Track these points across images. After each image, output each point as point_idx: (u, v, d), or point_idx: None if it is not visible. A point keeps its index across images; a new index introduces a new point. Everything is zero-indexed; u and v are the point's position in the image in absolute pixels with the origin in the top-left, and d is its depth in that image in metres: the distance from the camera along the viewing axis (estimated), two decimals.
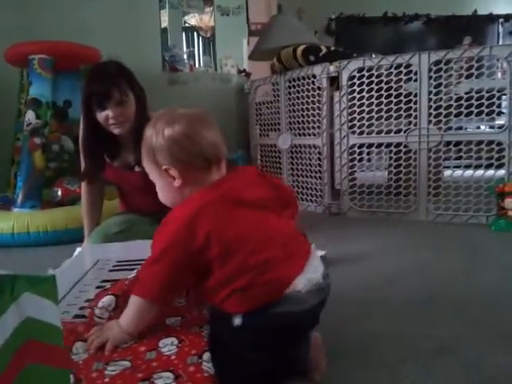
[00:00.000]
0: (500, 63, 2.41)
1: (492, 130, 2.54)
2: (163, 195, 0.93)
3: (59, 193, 2.54)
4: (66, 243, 2.11)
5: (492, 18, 5.93)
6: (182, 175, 0.87)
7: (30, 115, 2.51)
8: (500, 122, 2.49)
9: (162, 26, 3.78)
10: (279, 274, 0.83)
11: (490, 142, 2.42)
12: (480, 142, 2.44)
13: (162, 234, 0.84)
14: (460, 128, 2.56)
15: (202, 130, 0.87)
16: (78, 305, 0.98)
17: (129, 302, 0.86)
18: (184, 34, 4.38)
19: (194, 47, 4.49)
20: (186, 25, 4.43)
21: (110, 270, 1.25)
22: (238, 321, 0.82)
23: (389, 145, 2.66)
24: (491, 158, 2.41)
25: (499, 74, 2.56)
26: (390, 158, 2.67)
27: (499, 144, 2.38)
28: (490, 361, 1.00)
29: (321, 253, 1.73)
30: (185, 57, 3.73)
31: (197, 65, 4.22)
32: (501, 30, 5.99)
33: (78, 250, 1.65)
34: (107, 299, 0.89)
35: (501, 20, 5.93)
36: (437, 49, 2.55)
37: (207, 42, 4.54)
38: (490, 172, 2.45)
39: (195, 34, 4.52)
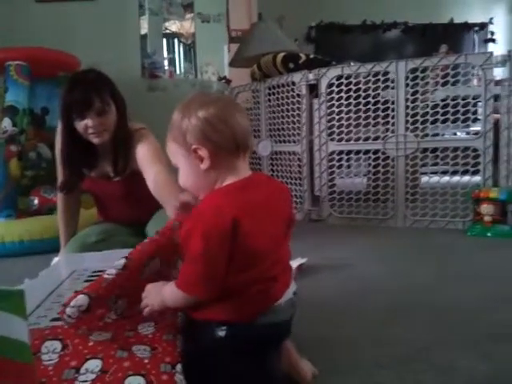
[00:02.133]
0: (475, 71, 2.45)
1: (468, 136, 2.60)
2: (186, 179, 0.88)
3: (36, 201, 2.50)
4: (42, 253, 2.07)
5: (467, 27, 6.06)
6: (211, 157, 0.83)
7: (6, 122, 2.46)
8: (475, 128, 2.55)
9: (142, 33, 3.75)
10: (276, 290, 0.85)
11: (466, 149, 2.46)
12: (456, 149, 2.48)
13: (195, 231, 0.79)
14: (437, 135, 2.61)
15: (235, 115, 0.85)
16: (48, 317, 0.97)
17: (174, 290, 0.85)
18: (165, 40, 4.34)
19: (174, 54, 4.46)
20: (167, 31, 4.40)
21: (86, 281, 1.23)
22: (221, 332, 0.82)
23: (367, 152, 2.69)
24: (467, 164, 2.46)
25: (475, 82, 2.61)
26: (369, 165, 2.70)
27: (475, 150, 2.43)
28: (464, 367, 1.02)
29: (301, 260, 1.75)
30: (165, 63, 3.71)
31: (177, 71, 4.19)
32: (476, 38, 6.12)
33: (55, 259, 1.62)
34: (80, 299, 0.87)
35: (476, 28, 6.06)
36: (415, 56, 2.60)
37: (188, 49, 4.52)
38: (466, 178, 2.50)
39: (176, 40, 4.49)
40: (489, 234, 2.29)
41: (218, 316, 0.83)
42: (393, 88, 2.55)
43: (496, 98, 2.41)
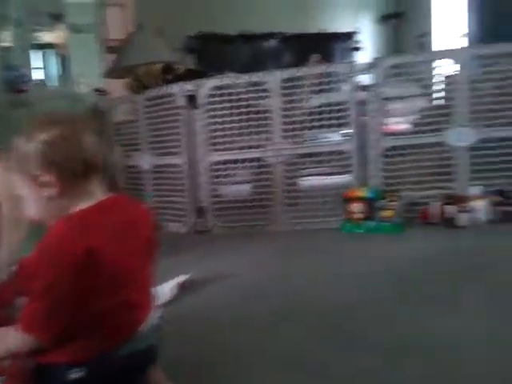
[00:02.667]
0: (345, 78, 2.58)
1: (340, 140, 2.72)
2: (34, 209, 0.80)
3: None
4: None
5: (337, 36, 6.47)
6: (58, 182, 0.76)
7: None
8: (346, 132, 2.67)
9: (3, 45, 3.42)
10: (138, 316, 0.81)
11: (338, 152, 2.60)
12: (330, 152, 2.61)
13: (41, 265, 0.73)
14: (313, 139, 2.71)
15: (83, 134, 0.78)
16: None
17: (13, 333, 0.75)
18: (35, 51, 4.03)
19: (47, 65, 4.16)
20: (38, 42, 4.09)
21: None
22: (75, 374, 0.75)
23: (250, 160, 2.72)
24: (340, 166, 2.60)
25: (345, 88, 2.75)
26: (252, 173, 2.74)
27: (346, 153, 2.58)
28: (336, 370, 1.05)
29: (183, 278, 1.71)
30: (33, 76, 3.43)
31: (49, 83, 3.91)
32: (345, 46, 6.56)
33: None
34: None
35: (344, 38, 6.49)
36: (293, 65, 2.68)
37: (61, 60, 4.26)
38: (340, 179, 2.64)
39: (49, 51, 4.20)
40: (360, 230, 2.44)
41: (71, 356, 0.76)
42: (269, 97, 2.62)
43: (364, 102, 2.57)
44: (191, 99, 2.76)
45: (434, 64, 2.59)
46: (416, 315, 1.31)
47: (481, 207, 2.36)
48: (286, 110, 2.61)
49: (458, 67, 2.47)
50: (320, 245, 2.27)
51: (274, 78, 2.60)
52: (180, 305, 1.44)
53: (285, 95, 2.60)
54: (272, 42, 6.28)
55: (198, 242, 2.58)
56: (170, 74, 2.88)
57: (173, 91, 2.80)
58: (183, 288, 1.66)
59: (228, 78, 2.70)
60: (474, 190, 2.44)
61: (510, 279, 1.52)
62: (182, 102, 2.76)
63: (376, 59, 2.59)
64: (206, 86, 2.71)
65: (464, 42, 5.43)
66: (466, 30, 5.45)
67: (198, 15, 5.77)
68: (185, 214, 2.83)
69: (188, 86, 2.75)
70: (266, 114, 2.63)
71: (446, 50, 2.62)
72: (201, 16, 5.80)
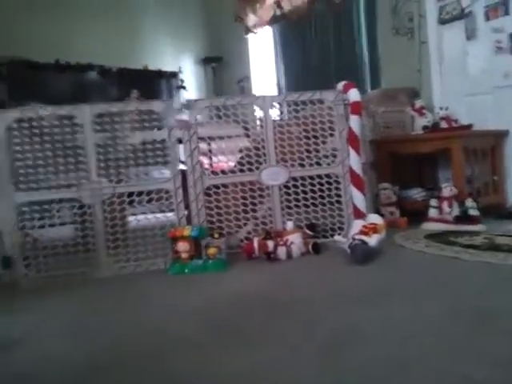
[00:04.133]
0: (164, 116, 2.52)
1: (162, 178, 2.62)
2: None
3: None
4: None
5: (160, 74, 6.51)
6: None
7: None
8: (168, 170, 2.61)
9: None
10: None
11: (161, 190, 2.53)
12: (151, 192, 2.52)
13: None
14: (134, 177, 2.57)
15: None
16: None
17: None
18: None
19: None
20: None
21: None
22: None
23: (68, 200, 2.46)
24: (164, 205, 2.52)
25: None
26: (71, 214, 2.47)
27: (167, 192, 2.52)
28: None
29: None
30: None
31: None
32: (171, 84, 6.66)
33: None
34: None
35: (167, 76, 6.59)
36: (113, 99, 2.53)
37: None
38: (164, 218, 2.57)
39: None
40: (186, 270, 2.38)
41: None
42: (81, 132, 2.42)
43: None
44: None
45: (253, 108, 2.73)
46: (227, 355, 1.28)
47: (295, 240, 2.51)
48: (102, 146, 2.44)
49: (265, 112, 2.66)
50: (142, 290, 2.12)
51: (84, 113, 2.42)
52: None
53: (99, 131, 2.44)
54: (92, 74, 5.99)
55: (3, 297, 2.18)
56: None
57: None
58: None
59: (31, 110, 2.41)
60: (289, 225, 2.61)
61: (323, 313, 1.59)
62: None
63: (191, 100, 2.64)
64: (4, 118, 2.37)
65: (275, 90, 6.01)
66: (275, 79, 6.06)
67: (7, 40, 5.17)
68: None
69: None
70: (81, 151, 2.42)
71: (254, 96, 2.78)
72: (11, 41, 5.21)
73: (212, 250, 2.41)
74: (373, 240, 2.33)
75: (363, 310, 1.57)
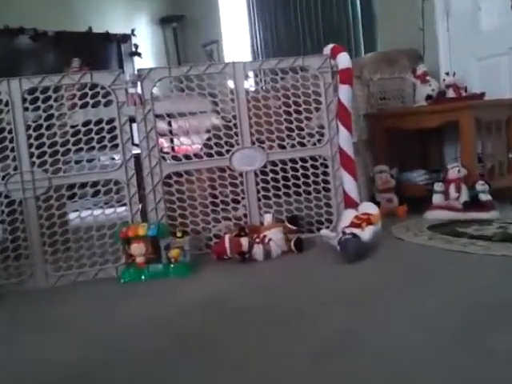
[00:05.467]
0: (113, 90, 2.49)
1: (109, 166, 2.60)
2: None
3: None
4: None
5: (108, 38, 6.40)
6: None
7: None
8: (117, 156, 2.60)
9: None
10: None
11: (108, 181, 2.51)
12: (97, 183, 2.50)
13: None
14: (76, 166, 2.52)
15: None
16: None
17: None
18: None
19: None
20: None
21: None
22: None
23: None
24: (114, 199, 2.51)
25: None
26: (2, 212, 2.43)
27: (118, 182, 2.51)
28: None
29: None
30: None
31: None
32: (120, 50, 6.56)
33: None
34: None
35: (118, 39, 6.47)
36: (49, 70, 2.46)
37: None
38: (114, 215, 2.54)
39: None
40: (143, 277, 2.37)
41: None
42: (8, 112, 2.39)
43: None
44: None
45: (223, 77, 2.69)
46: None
47: (274, 237, 2.52)
48: (35, 129, 2.41)
49: (237, 83, 2.63)
50: (84, 304, 2.11)
51: (12, 88, 2.39)
52: None
53: (31, 110, 2.41)
54: (23, 40, 5.86)
55: None
56: None
57: None
58: None
59: None
60: (267, 218, 2.62)
61: (307, 323, 1.61)
62: None
63: (146, 70, 2.59)
64: None
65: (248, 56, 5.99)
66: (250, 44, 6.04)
67: None
68: None
69: None
70: (8, 135, 2.38)
71: (224, 64, 2.74)
72: None
73: (174, 252, 2.39)
74: (366, 233, 2.35)
75: (357, 314, 1.59)
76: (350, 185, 2.69)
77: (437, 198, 2.98)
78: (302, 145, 2.71)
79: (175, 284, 2.25)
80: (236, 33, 6.36)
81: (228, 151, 2.65)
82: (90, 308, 2.05)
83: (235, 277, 2.29)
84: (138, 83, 2.55)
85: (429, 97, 3.39)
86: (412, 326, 1.48)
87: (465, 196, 2.88)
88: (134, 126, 2.61)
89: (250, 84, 2.76)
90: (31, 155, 2.42)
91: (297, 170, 2.70)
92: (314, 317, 1.65)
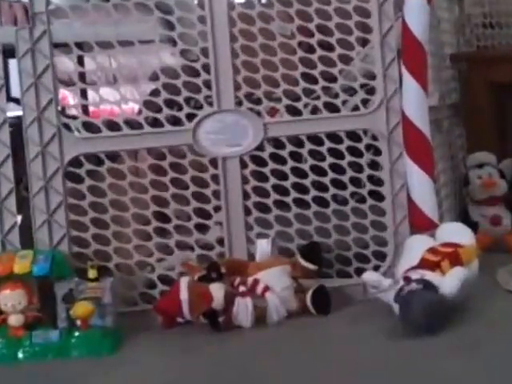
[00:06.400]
0: None
1: None
2: None
3: None
4: None
5: None
6: None
7: None
8: None
9: None
10: None
11: None
12: None
13: None
14: None
15: None
16: None
17: None
18: None
19: None
20: None
21: None
22: None
23: None
24: None
25: None
26: None
27: None
28: None
29: None
30: None
31: None
32: None
33: None
34: None
35: None
36: None
37: None
38: None
39: None
40: (20, 356, 1.78)
41: None
42: None
43: None
44: None
45: None
46: None
47: (275, 284, 1.95)
48: None
49: None
50: None
51: None
52: None
53: None
54: None
55: None
56: None
57: None
58: None
59: None
60: (263, 248, 2.02)
61: None
62: None
63: None
64: None
65: None
66: None
67: None
68: None
69: None
70: None
71: None
72: None
73: (82, 309, 1.84)
74: (449, 281, 1.87)
75: None
76: (421, 188, 2.07)
77: None
78: (333, 109, 2.07)
79: (81, 370, 1.68)
80: None
81: (191, 117, 2.01)
82: None
83: (196, 364, 1.73)
84: None
85: None
86: None
87: None
88: (13, 63, 2.08)
89: None
90: None
91: (321, 158, 2.07)
92: None
